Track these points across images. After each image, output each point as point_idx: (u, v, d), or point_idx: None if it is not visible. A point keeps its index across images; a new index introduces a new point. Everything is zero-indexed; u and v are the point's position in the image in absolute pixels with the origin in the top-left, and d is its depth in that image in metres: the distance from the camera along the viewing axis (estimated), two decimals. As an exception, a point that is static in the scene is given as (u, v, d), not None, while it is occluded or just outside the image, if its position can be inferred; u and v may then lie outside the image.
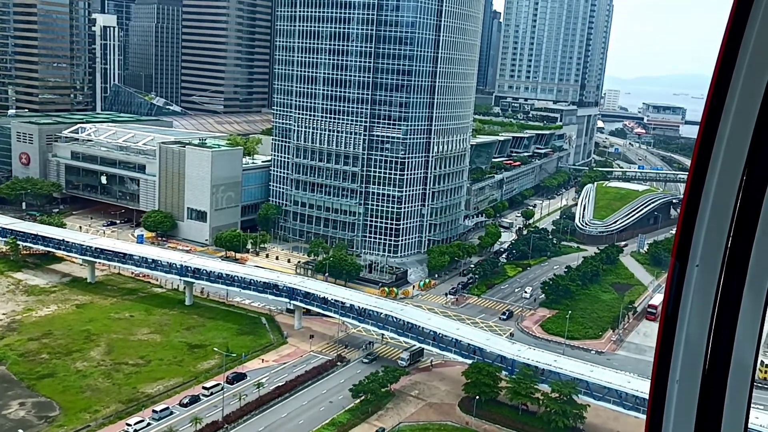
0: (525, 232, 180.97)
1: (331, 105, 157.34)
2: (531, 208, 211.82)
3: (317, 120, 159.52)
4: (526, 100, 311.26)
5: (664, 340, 3.95)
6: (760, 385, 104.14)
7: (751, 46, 3.45)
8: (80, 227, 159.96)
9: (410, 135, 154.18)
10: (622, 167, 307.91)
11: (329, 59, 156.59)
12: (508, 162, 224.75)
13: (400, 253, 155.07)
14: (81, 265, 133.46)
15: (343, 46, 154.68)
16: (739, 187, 3.63)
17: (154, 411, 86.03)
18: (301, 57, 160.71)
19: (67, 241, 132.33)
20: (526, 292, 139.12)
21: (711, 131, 3.61)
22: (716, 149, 3.63)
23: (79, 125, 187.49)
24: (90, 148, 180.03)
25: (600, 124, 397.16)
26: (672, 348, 3.91)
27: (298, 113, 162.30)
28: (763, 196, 3.59)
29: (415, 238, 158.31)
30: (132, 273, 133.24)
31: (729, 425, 3.90)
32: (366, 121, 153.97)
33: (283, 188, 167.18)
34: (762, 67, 3.49)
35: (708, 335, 3.82)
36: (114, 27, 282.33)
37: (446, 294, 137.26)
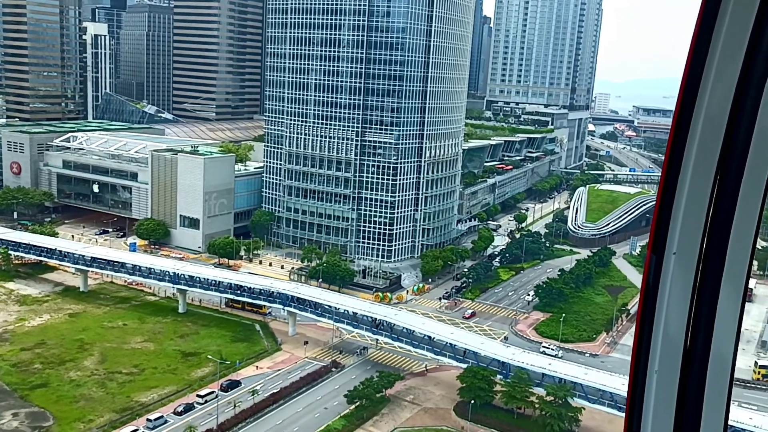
0: (518, 236, 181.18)
1: (322, 111, 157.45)
2: (524, 211, 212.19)
3: (309, 126, 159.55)
4: (517, 104, 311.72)
5: (642, 331, 3.97)
6: (754, 385, 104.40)
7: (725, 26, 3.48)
8: (72, 236, 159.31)
9: (402, 140, 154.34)
10: (613, 170, 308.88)
11: (320, 65, 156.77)
12: (500, 166, 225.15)
13: (394, 258, 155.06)
14: (73, 274, 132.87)
15: (334, 52, 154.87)
16: (715, 175, 3.65)
17: (148, 420, 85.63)
18: (293, 63, 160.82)
19: (60, 250, 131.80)
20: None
21: (686, 117, 3.63)
22: (691, 137, 3.66)
23: (70, 134, 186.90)
24: (82, 157, 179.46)
25: (591, 127, 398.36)
26: (651, 338, 3.93)
27: (290, 119, 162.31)
28: (739, 183, 3.62)
29: (408, 242, 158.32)
30: (125, 281, 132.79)
31: (710, 414, 3.92)
32: (358, 127, 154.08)
33: (275, 195, 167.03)
34: (732, 59, 3.52)
35: (687, 324, 3.85)
36: (105, 35, 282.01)
37: (440, 298, 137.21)
